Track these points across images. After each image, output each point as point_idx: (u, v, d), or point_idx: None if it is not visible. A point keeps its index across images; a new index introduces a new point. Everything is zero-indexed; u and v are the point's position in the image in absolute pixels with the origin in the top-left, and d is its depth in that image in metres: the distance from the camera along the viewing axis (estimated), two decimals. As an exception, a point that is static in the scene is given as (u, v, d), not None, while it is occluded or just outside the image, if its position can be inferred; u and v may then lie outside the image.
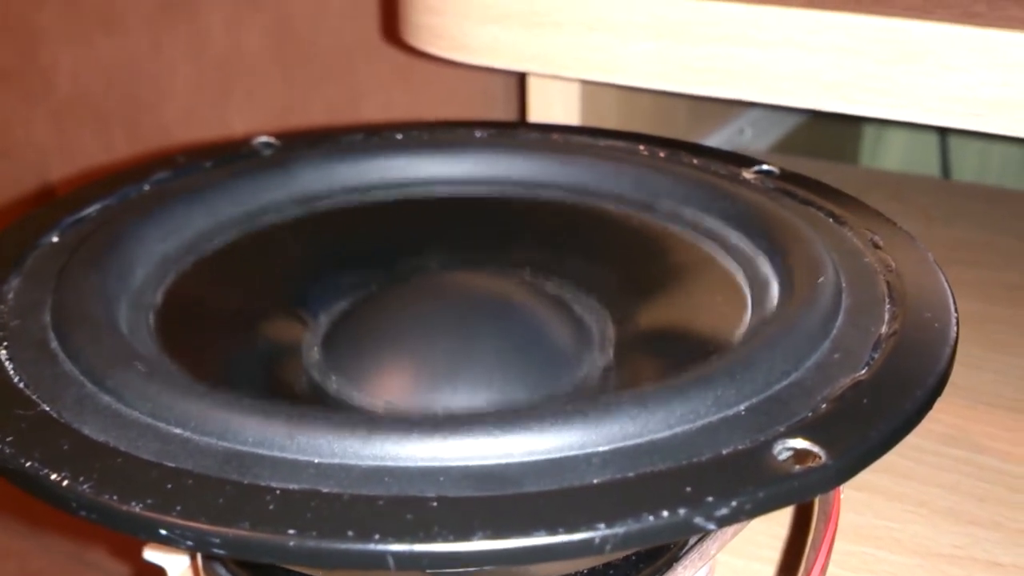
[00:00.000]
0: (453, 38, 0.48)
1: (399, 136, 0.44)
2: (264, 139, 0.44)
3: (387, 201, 0.42)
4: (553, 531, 0.22)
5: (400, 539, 0.22)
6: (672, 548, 0.31)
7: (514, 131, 0.45)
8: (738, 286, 0.34)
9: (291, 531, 0.22)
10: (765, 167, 0.42)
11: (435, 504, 0.23)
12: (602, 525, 0.22)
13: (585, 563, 0.29)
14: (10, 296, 0.32)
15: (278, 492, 0.23)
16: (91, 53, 0.88)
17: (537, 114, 0.51)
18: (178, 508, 0.23)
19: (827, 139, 0.83)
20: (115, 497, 0.23)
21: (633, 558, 0.30)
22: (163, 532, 0.22)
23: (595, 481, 0.24)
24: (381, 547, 0.22)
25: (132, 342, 0.29)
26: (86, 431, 0.26)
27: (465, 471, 0.24)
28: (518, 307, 0.33)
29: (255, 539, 0.22)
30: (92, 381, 0.27)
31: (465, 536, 0.22)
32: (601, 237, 0.40)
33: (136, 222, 0.35)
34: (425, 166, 0.43)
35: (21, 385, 0.27)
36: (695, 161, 0.42)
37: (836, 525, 0.29)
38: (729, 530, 0.33)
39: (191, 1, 0.83)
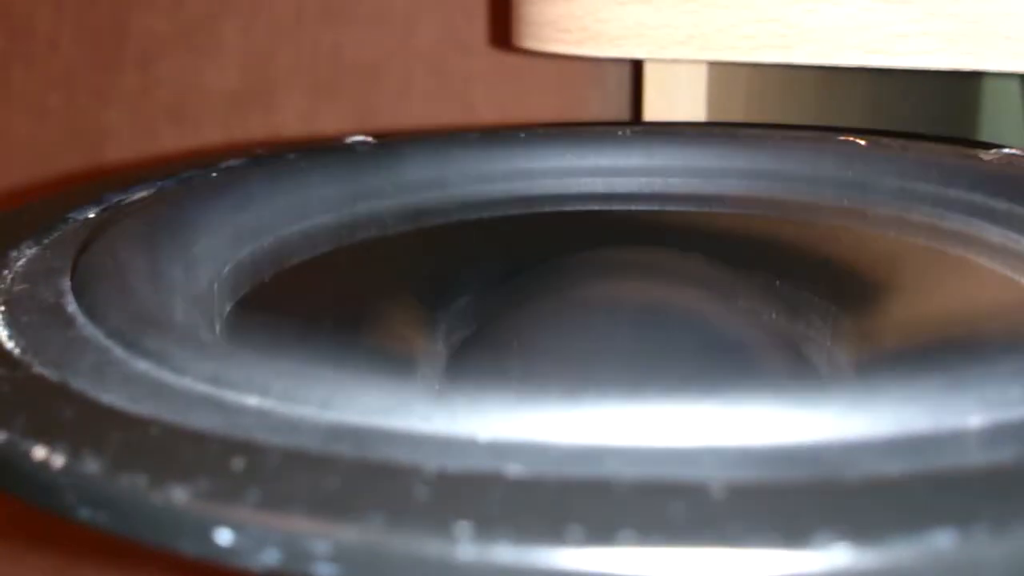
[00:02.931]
0: (584, 28, 0.39)
1: (522, 135, 0.35)
2: (360, 138, 0.35)
3: (516, 215, 0.32)
4: (963, 528, 0.11)
5: (676, 540, 0.11)
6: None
7: (669, 128, 0.36)
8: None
9: (475, 528, 0.11)
10: (1006, 149, 0.32)
11: (720, 495, 0.12)
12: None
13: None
14: (20, 263, 0.23)
15: (431, 473, 0.13)
16: (159, 152, 0.83)
17: (656, 109, 0.41)
18: (255, 494, 0.12)
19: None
20: (143, 479, 0.13)
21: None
22: (226, 535, 0.12)
23: (984, 461, 0.13)
24: (648, 550, 0.11)
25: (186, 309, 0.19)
26: (105, 400, 0.16)
27: (751, 452, 0.14)
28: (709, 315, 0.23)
29: (404, 544, 0.11)
30: (123, 344, 0.18)
31: (801, 541, 0.11)
32: (805, 245, 0.30)
33: (202, 198, 0.26)
34: (562, 161, 0.34)
35: (11, 346, 0.18)
36: (914, 147, 0.33)
37: None
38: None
39: (265, 94, 0.77)
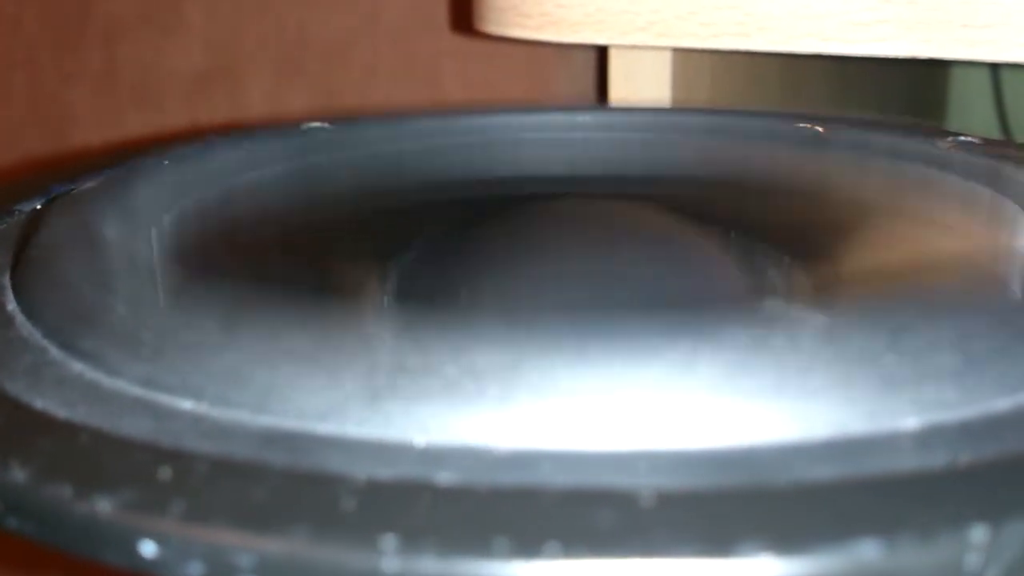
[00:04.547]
0: (544, 14, 0.39)
1: (483, 117, 0.35)
2: (316, 124, 0.35)
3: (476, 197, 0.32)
4: (888, 537, 0.11)
5: (601, 551, 0.11)
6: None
7: (627, 113, 0.36)
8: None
9: (400, 540, 0.11)
10: (962, 137, 0.33)
11: (649, 502, 0.12)
12: (981, 526, 0.12)
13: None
14: (-41, 258, 0.22)
15: (360, 481, 0.13)
16: (123, 132, 0.82)
17: (621, 93, 0.41)
18: (180, 505, 0.12)
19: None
20: (68, 490, 0.13)
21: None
22: (149, 547, 0.12)
23: (917, 466, 0.13)
24: (572, 563, 0.11)
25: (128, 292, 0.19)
26: (38, 404, 0.15)
27: (683, 457, 0.14)
28: (670, 233, 0.23)
29: (328, 557, 0.11)
30: (59, 344, 0.17)
31: (725, 550, 0.11)
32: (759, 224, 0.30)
33: (147, 179, 0.26)
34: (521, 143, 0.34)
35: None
36: (872, 136, 0.33)
37: None
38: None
39: (230, 74, 0.76)
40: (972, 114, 0.76)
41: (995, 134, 0.71)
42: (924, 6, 0.33)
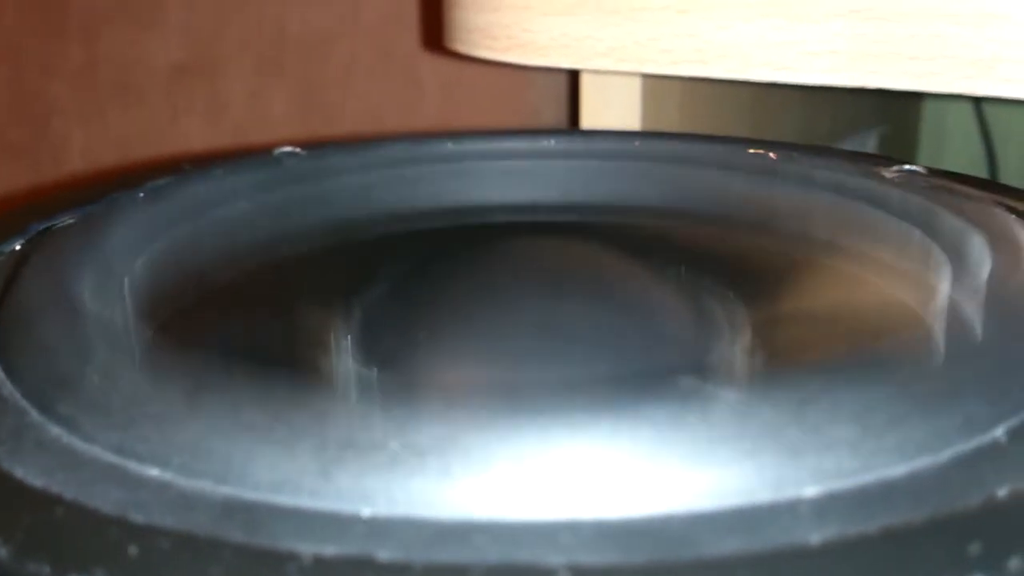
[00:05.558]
0: (511, 37, 0.40)
1: (451, 146, 0.36)
2: (287, 149, 0.36)
3: (441, 228, 0.34)
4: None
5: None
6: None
7: (590, 138, 0.37)
8: (915, 249, 0.26)
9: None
10: (907, 166, 0.34)
11: (564, 576, 0.14)
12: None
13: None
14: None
15: (308, 559, 0.14)
16: (104, 125, 0.82)
17: (592, 117, 0.43)
18: (145, 585, 0.14)
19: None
20: (47, 569, 0.14)
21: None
22: (117, 625, 0.13)
23: (814, 539, 0.15)
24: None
25: (100, 349, 0.20)
26: (18, 473, 0.17)
27: (602, 527, 0.15)
28: (612, 276, 0.25)
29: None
30: (39, 407, 0.19)
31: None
32: (715, 259, 0.31)
33: (120, 221, 0.27)
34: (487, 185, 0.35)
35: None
36: (820, 163, 0.34)
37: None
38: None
39: (210, 69, 0.77)
40: (957, 145, 0.76)
41: (981, 166, 0.71)
42: (873, 39, 0.35)
